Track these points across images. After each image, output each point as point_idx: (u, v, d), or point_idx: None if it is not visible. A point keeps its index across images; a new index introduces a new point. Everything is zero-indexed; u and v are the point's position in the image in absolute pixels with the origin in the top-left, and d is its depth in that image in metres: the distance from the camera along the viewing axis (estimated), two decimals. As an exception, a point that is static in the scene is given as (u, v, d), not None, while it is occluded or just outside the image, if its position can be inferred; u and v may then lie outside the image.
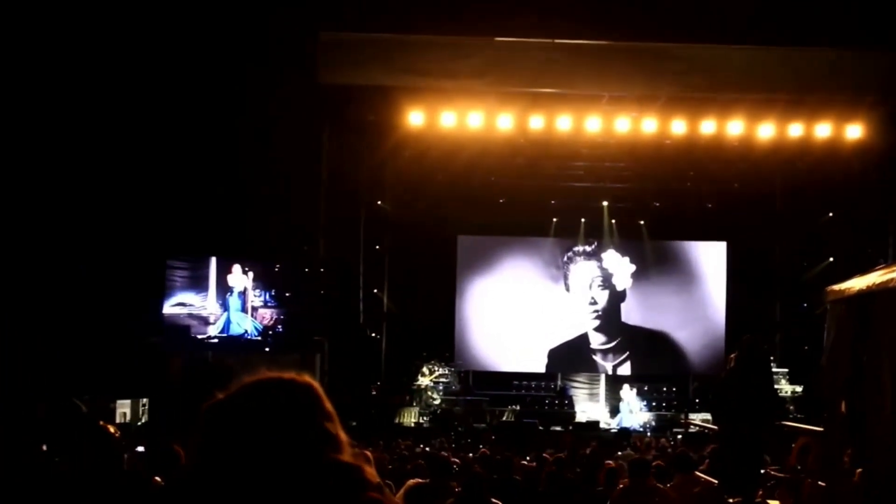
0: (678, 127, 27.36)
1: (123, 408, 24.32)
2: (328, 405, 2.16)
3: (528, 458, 17.93)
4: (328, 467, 2.04)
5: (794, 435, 13.41)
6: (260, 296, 30.63)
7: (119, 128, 24.63)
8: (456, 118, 27.40)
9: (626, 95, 26.13)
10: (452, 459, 14.85)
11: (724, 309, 33.28)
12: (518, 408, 30.93)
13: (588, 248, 33.49)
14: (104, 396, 22.29)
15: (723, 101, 26.25)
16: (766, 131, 27.14)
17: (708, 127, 27.26)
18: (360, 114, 28.04)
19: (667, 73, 24.56)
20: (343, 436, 2.13)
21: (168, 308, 29.87)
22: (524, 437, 24.99)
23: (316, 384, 2.17)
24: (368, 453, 8.83)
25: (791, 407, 29.04)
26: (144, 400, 25.92)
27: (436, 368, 32.15)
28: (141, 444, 17.47)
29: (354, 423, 28.39)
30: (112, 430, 5.66)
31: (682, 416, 29.39)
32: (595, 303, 33.21)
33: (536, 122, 27.47)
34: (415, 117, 27.53)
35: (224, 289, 30.18)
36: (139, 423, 24.52)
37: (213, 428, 2.07)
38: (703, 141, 28.13)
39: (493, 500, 8.42)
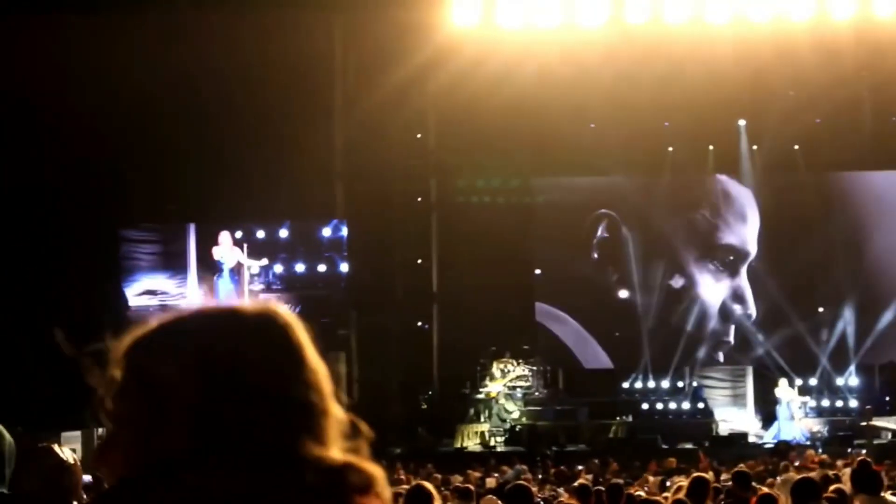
0: (844, 6, 27.01)
1: (72, 443, 24.45)
2: (314, 358, 1.99)
3: (645, 487, 17.77)
4: (304, 466, 1.90)
5: None
6: (260, 275, 30.79)
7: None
8: (522, 12, 27.23)
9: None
10: (538, 495, 14.69)
11: (920, 266, 32.87)
12: (631, 419, 30.89)
13: (722, 183, 33.32)
14: (41, 430, 22.42)
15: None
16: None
17: (887, 1, 26.91)
18: (384, 10, 27.96)
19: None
20: (335, 414, 1.98)
21: (132, 298, 30.11)
22: (641, 458, 24.92)
23: (295, 320, 1.98)
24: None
25: None
26: (101, 430, 26.04)
27: (511, 368, 32.12)
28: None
29: (399, 451, 28.49)
30: (66, 454, 5.73)
31: (866, 420, 29.15)
32: (726, 264, 33.00)
33: (639, 12, 27.21)
34: (463, 13, 27.38)
35: (209, 267, 30.36)
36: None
37: (128, 395, 1.93)
38: (881, 26, 27.74)
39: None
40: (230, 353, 1.90)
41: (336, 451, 1.94)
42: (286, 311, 2.01)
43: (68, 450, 5.69)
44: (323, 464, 1.91)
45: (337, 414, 1.96)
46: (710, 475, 19.42)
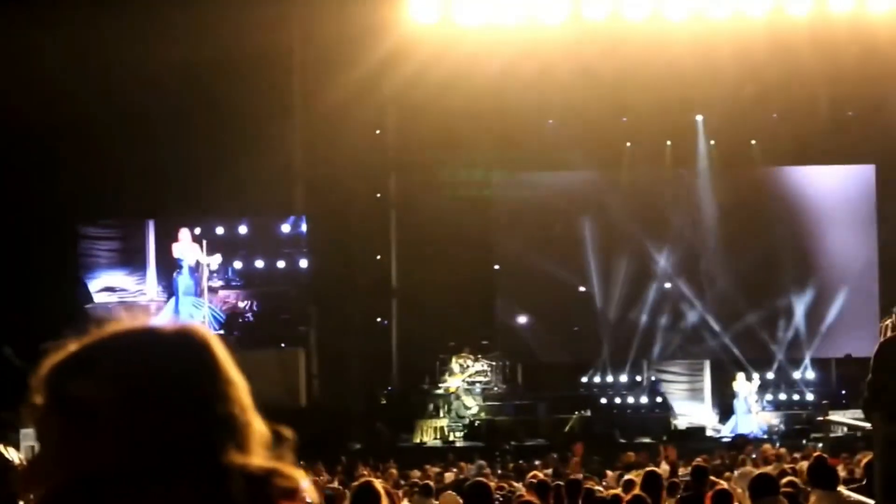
0: (800, 2, 27.12)
1: (30, 437, 24.42)
2: (233, 374, 1.97)
3: (604, 481, 17.82)
4: (228, 476, 1.89)
5: None
6: (219, 271, 30.70)
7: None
8: (479, 9, 27.21)
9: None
10: (497, 487, 14.71)
11: (875, 260, 33.10)
12: (589, 413, 30.92)
13: (678, 176, 33.42)
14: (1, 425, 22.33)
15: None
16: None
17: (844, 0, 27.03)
18: (343, 6, 27.90)
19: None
20: (256, 426, 1.97)
21: (94, 295, 29.99)
22: (599, 452, 24.96)
23: (213, 337, 2.00)
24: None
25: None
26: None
27: (470, 363, 32.09)
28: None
29: (358, 446, 28.49)
30: (12, 455, 5.74)
31: (823, 415, 29.28)
32: (683, 254, 33.12)
33: (598, 8, 27.25)
34: (422, 10, 27.33)
35: (168, 264, 30.26)
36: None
37: (50, 410, 1.93)
38: (838, 22, 27.87)
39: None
40: (147, 370, 1.90)
41: (259, 459, 1.95)
42: (204, 329, 2.03)
43: (13, 450, 5.68)
44: (246, 471, 1.91)
45: (258, 426, 1.98)
46: (665, 469, 19.56)
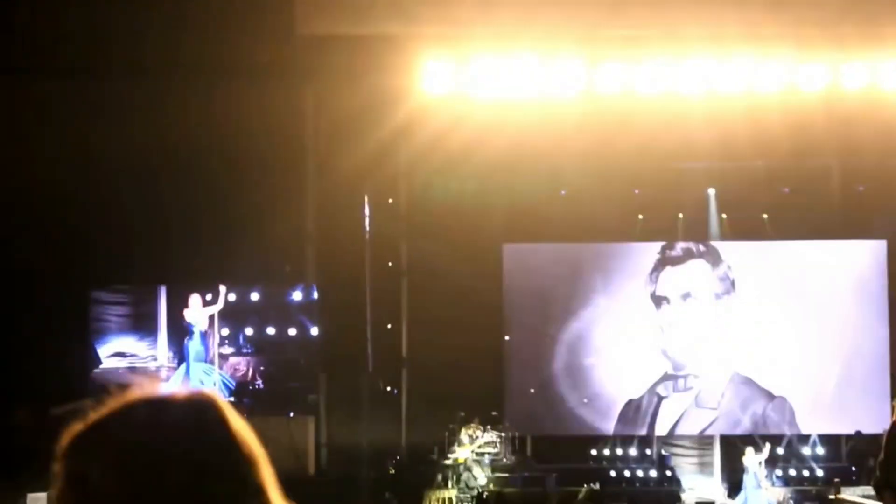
0: (813, 76, 27.19)
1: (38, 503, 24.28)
2: (248, 446, 1.93)
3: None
4: None
5: None
6: (230, 337, 30.67)
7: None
8: (494, 79, 27.30)
9: (740, 34, 26.09)
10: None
11: (886, 336, 32.97)
12: (598, 486, 30.72)
13: (688, 248, 33.35)
14: (7, 491, 22.28)
15: (880, 35, 26.17)
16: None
17: (857, 74, 27.09)
18: (356, 77, 27.98)
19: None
20: (273, 492, 1.96)
21: (104, 360, 29.93)
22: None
23: (227, 408, 1.96)
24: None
25: None
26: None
27: (479, 434, 31.96)
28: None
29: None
30: None
31: (833, 492, 29.09)
32: (694, 331, 33.08)
33: (610, 79, 27.33)
34: (436, 79, 27.42)
35: (179, 329, 30.22)
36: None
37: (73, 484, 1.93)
38: (852, 97, 27.92)
39: None
40: (153, 451, 1.87)
41: None
42: (217, 398, 1.98)
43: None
44: None
45: (274, 501, 1.93)
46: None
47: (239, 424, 1.93)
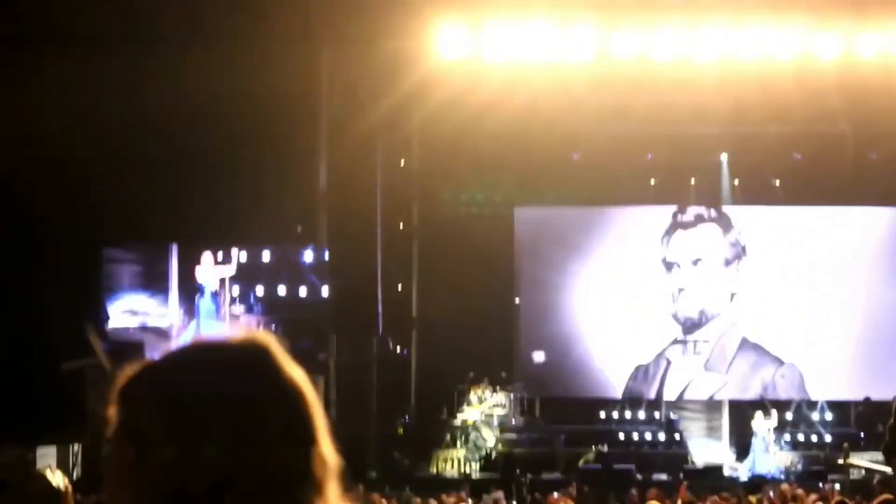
0: (828, 44, 27.10)
1: (47, 458, 24.36)
2: (304, 387, 1.96)
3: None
4: None
5: None
6: (241, 296, 30.73)
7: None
8: (509, 42, 27.25)
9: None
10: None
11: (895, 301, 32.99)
12: (606, 448, 30.77)
13: (700, 213, 33.35)
14: (17, 443, 22.34)
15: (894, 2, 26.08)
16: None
17: (872, 43, 27.00)
18: (371, 39, 27.96)
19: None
20: (329, 457, 1.93)
21: (113, 317, 29.99)
22: (615, 489, 24.89)
23: (278, 347, 1.97)
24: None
25: None
26: (77, 447, 25.96)
27: (488, 395, 32.05)
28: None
29: (374, 474, 28.42)
30: (57, 480, 5.75)
31: (842, 457, 29.13)
32: (704, 296, 33.12)
33: (624, 44, 27.27)
34: (451, 41, 27.38)
35: (191, 288, 30.26)
36: (73, 479, 24.56)
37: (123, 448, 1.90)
38: (866, 65, 27.84)
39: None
40: (205, 394, 1.87)
41: (333, 499, 1.90)
42: (272, 343, 1.97)
43: (60, 475, 5.68)
44: None
45: (330, 454, 1.92)
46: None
47: (293, 369, 1.92)
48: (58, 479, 5.63)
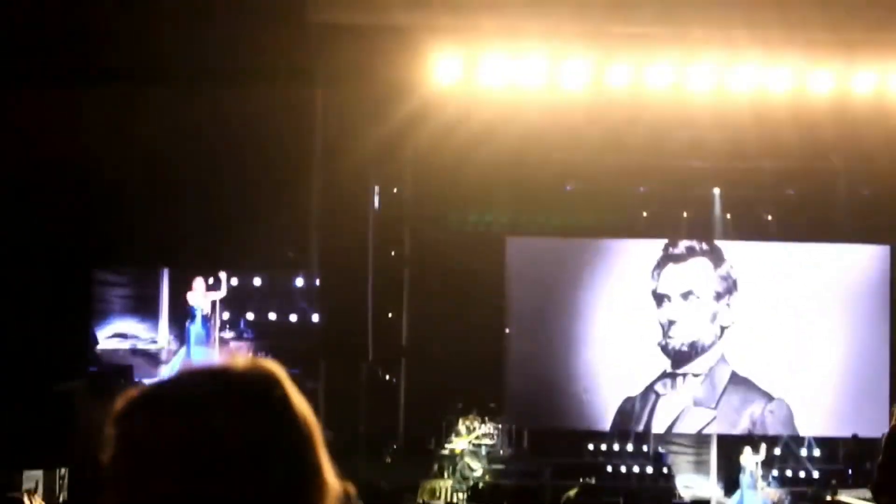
0: (824, 80, 27.14)
1: (33, 480, 24.24)
2: (306, 420, 1.93)
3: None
4: None
5: None
6: (231, 321, 30.71)
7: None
8: (503, 72, 27.24)
9: (749, 35, 26.03)
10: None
11: (886, 340, 33.07)
12: (594, 481, 30.74)
13: (691, 247, 33.33)
14: (3, 466, 22.21)
15: (889, 41, 26.13)
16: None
17: (866, 80, 27.04)
18: (365, 67, 27.93)
19: None
20: (329, 482, 1.98)
21: (102, 341, 29.94)
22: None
23: (285, 378, 1.95)
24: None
25: None
26: (63, 471, 25.80)
27: (476, 425, 32.00)
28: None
29: (361, 503, 28.31)
30: None
31: (830, 494, 29.09)
32: (694, 329, 33.11)
33: (619, 76, 27.28)
34: (445, 70, 27.37)
35: (181, 313, 30.23)
36: (59, 503, 24.48)
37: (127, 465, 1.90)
38: (860, 101, 27.86)
39: None
40: (212, 420, 1.86)
41: None
42: (279, 371, 1.96)
43: (39, 500, 5.65)
44: None
45: (332, 485, 1.92)
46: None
47: (299, 400, 1.91)
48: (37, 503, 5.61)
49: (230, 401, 1.86)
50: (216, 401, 1.85)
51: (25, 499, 5.59)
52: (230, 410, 1.84)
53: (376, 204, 31.94)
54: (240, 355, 1.98)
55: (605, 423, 33.23)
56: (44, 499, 23.94)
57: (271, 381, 1.92)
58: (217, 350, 29.78)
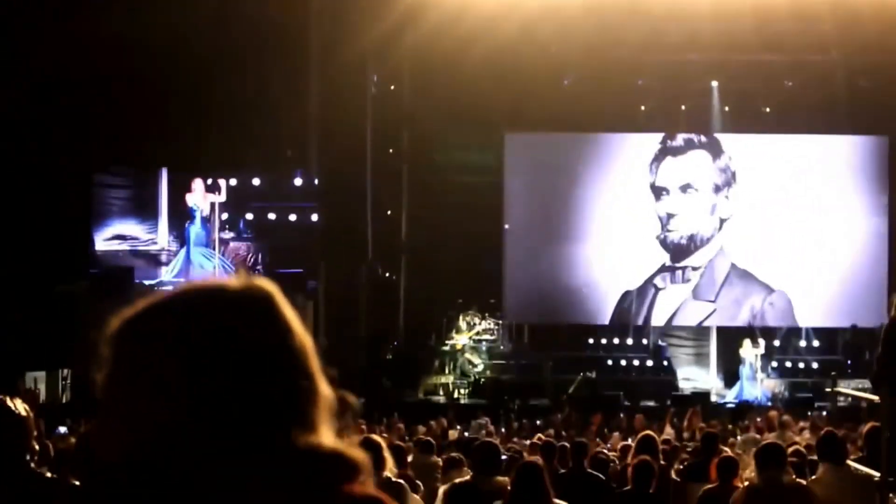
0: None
1: (36, 383, 24.36)
2: (301, 336, 1.95)
3: (608, 444, 17.82)
4: (291, 456, 1.84)
5: None
6: (231, 222, 30.68)
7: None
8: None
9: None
10: (505, 447, 14.72)
11: (885, 231, 33.10)
12: (594, 375, 30.83)
13: (689, 140, 33.26)
14: (6, 368, 22.33)
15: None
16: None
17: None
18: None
19: None
20: (323, 393, 1.94)
21: (101, 242, 29.93)
22: (603, 415, 24.93)
23: (281, 297, 1.96)
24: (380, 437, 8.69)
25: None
26: (66, 372, 25.90)
27: (476, 321, 32.10)
28: (63, 425, 17.57)
29: (362, 399, 28.48)
30: (18, 407, 5.63)
31: (829, 385, 29.24)
32: (693, 222, 33.10)
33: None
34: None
35: (181, 214, 30.20)
36: (62, 404, 24.60)
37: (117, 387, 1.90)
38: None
39: (558, 502, 8.26)
40: (214, 334, 1.86)
41: (325, 436, 1.91)
42: (271, 287, 1.98)
43: (20, 402, 5.63)
44: (310, 453, 1.86)
45: (325, 393, 1.93)
46: (670, 432, 19.54)
47: (292, 315, 1.92)
48: (18, 406, 5.59)
49: (226, 316, 1.86)
50: (212, 317, 1.85)
51: (8, 400, 5.57)
52: (226, 326, 1.84)
53: (373, 102, 31.83)
54: (236, 275, 1.99)
55: (605, 316, 33.31)
56: (46, 398, 24.14)
57: (265, 297, 1.93)
58: (217, 250, 29.83)
